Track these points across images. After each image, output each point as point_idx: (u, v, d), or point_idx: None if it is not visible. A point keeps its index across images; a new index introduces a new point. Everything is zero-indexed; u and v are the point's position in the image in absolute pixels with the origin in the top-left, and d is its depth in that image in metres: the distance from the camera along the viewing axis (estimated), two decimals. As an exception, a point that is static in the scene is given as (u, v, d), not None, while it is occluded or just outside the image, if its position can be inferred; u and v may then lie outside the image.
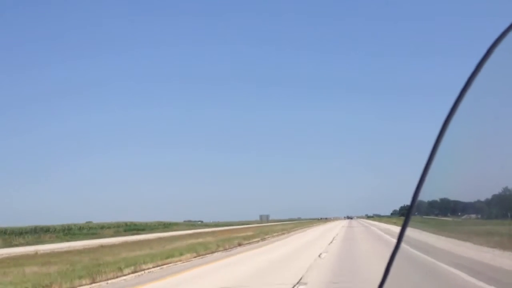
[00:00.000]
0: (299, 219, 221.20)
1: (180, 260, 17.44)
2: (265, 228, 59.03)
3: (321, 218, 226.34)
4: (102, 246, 29.96)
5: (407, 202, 1.71)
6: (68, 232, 61.74)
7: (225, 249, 22.95)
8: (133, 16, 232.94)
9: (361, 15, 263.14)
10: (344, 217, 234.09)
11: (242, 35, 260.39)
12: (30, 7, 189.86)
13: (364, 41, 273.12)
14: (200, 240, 31.20)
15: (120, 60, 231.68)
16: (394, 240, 1.59)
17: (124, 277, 13.01)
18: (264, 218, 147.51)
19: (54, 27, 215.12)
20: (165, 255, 18.48)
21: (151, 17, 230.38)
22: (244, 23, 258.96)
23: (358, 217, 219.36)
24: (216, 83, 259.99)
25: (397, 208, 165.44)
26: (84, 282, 11.97)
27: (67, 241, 44.88)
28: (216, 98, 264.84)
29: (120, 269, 13.84)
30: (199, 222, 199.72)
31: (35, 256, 24.05)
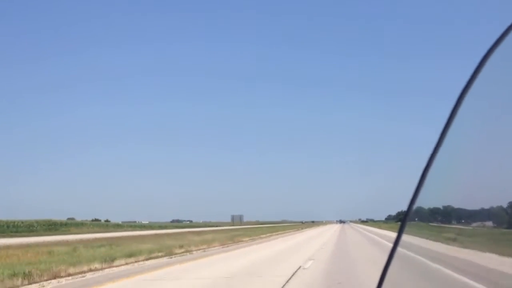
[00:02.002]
0: (283, 221, 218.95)
1: None
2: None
3: (303, 222, 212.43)
4: None
5: (404, 207, 1.76)
6: None
7: None
8: (136, 12, 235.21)
9: (362, 16, 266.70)
10: (336, 221, 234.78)
11: (243, 34, 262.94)
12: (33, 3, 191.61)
13: (363, 41, 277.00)
14: None
15: (118, 57, 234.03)
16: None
17: None
18: (236, 219, 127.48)
19: (55, 22, 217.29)
20: None
21: (153, 13, 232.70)
22: (246, 23, 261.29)
23: (351, 222, 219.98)
24: (212, 81, 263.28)
25: (393, 213, 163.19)
26: None
27: None
28: (208, 97, 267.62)
29: None
30: (188, 222, 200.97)
31: None
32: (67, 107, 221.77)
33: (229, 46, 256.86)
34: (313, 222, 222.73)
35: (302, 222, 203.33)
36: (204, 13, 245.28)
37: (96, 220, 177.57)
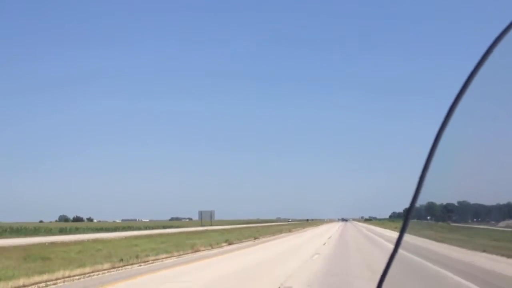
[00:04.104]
0: (277, 219, 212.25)
1: None
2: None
3: (290, 221, 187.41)
4: None
5: (408, 205, 1.81)
6: None
7: None
8: (139, 11, 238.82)
9: (363, 16, 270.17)
10: (338, 219, 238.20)
11: (246, 33, 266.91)
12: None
13: (365, 42, 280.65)
14: None
15: (117, 55, 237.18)
16: None
17: None
18: (206, 217, 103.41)
19: (58, 20, 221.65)
20: None
21: (157, 12, 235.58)
22: (250, 23, 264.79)
23: (353, 220, 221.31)
24: (210, 80, 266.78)
25: (398, 211, 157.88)
26: None
27: None
28: (203, 95, 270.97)
29: None
30: (187, 220, 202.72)
31: None
32: (62, 106, 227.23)
33: (228, 45, 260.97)
34: (307, 220, 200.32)
35: (289, 221, 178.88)
36: (204, 14, 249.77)
37: (78, 218, 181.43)
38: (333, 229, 71.53)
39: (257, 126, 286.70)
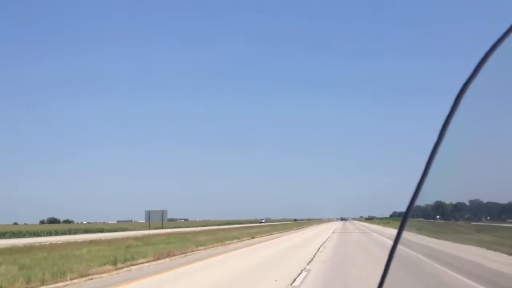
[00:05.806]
0: (268, 219, 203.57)
1: None
2: None
3: (262, 221, 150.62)
4: None
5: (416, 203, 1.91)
6: None
7: None
8: (138, 12, 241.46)
9: (362, 17, 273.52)
10: (337, 218, 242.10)
11: (243, 34, 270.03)
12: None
13: (366, 42, 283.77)
14: None
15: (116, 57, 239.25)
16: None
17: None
18: (155, 218, 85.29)
19: (58, 21, 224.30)
20: None
21: (156, 13, 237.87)
22: (246, 23, 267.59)
23: (353, 219, 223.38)
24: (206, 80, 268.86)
25: (400, 210, 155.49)
26: None
27: None
28: (207, 95, 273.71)
29: None
30: (183, 220, 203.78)
31: None
32: (60, 107, 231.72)
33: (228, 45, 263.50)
34: (295, 220, 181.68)
35: (261, 222, 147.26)
36: (203, 14, 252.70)
37: (54, 220, 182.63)
38: (318, 239, 35.84)
39: (256, 126, 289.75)
